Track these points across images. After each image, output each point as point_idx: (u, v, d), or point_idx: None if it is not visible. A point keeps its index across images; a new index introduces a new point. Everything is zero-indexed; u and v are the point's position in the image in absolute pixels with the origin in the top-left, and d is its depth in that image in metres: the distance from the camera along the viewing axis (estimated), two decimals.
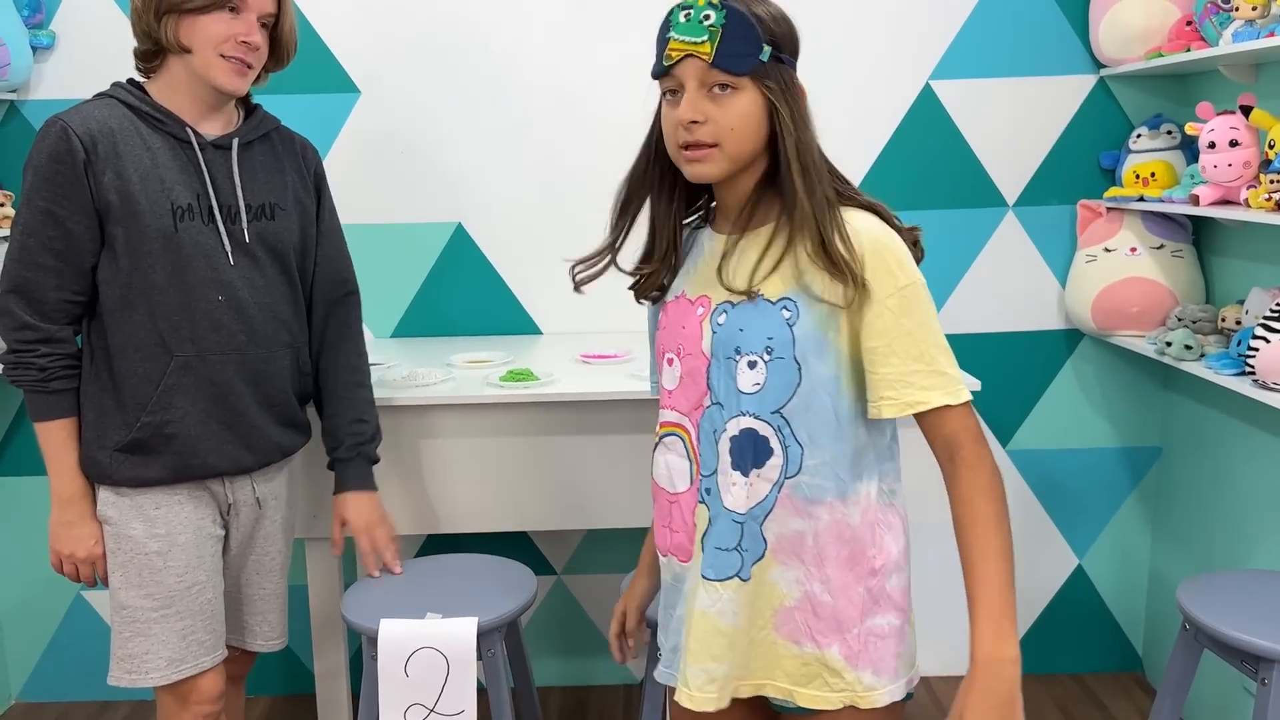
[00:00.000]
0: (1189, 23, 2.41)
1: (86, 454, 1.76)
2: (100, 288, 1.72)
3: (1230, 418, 2.54)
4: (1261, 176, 2.11)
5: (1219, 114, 2.23)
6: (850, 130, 2.74)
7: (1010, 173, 2.79)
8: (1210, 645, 1.88)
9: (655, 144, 1.41)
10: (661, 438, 1.45)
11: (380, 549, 2.00)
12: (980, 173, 2.78)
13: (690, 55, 1.28)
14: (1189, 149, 2.57)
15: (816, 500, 1.34)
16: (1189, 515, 2.75)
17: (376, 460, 2.01)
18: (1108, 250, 2.65)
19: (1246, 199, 2.13)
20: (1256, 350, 2.06)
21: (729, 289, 1.34)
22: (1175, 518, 2.82)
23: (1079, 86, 2.75)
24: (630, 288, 1.49)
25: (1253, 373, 2.09)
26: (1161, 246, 2.62)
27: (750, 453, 1.34)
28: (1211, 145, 2.20)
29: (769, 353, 1.31)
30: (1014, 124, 2.76)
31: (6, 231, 2.46)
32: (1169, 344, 2.39)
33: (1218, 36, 2.26)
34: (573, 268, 1.47)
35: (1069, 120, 2.76)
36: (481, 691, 1.85)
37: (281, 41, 1.82)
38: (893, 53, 2.72)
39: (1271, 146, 2.10)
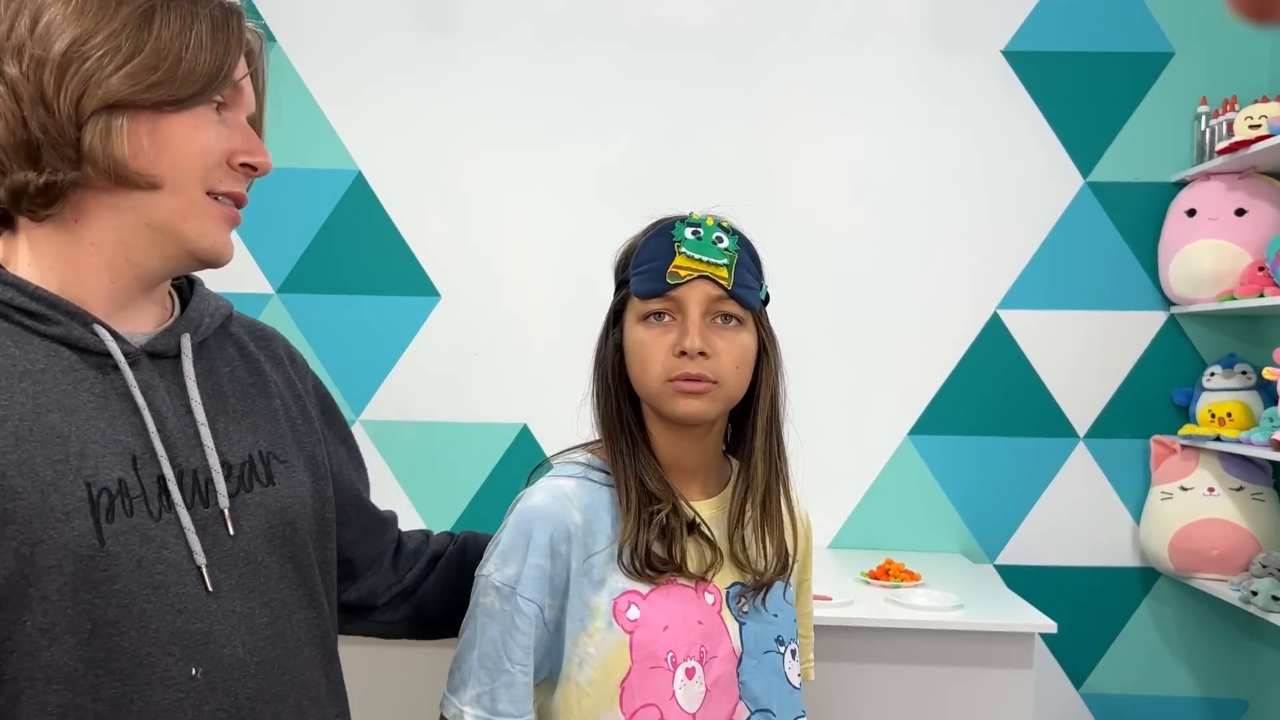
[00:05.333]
0: (1261, 268, 2.42)
1: None
2: None
3: None
4: None
5: None
6: (917, 355, 2.75)
7: (1081, 404, 2.76)
8: None
9: (618, 377, 1.16)
10: None
11: None
12: (1050, 403, 2.76)
13: (704, 277, 1.10)
14: (1266, 390, 2.53)
15: None
16: None
17: None
18: (1184, 489, 2.58)
19: None
20: None
21: (745, 569, 1.14)
22: None
23: (1149, 322, 2.75)
24: (646, 563, 1.09)
25: None
26: (1241, 488, 2.54)
27: None
28: None
29: (794, 638, 1.18)
30: (1084, 356, 2.75)
31: None
32: (1255, 593, 2.28)
33: None
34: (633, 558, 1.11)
35: (1140, 355, 2.75)
36: None
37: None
38: (960, 281, 2.76)
39: None
